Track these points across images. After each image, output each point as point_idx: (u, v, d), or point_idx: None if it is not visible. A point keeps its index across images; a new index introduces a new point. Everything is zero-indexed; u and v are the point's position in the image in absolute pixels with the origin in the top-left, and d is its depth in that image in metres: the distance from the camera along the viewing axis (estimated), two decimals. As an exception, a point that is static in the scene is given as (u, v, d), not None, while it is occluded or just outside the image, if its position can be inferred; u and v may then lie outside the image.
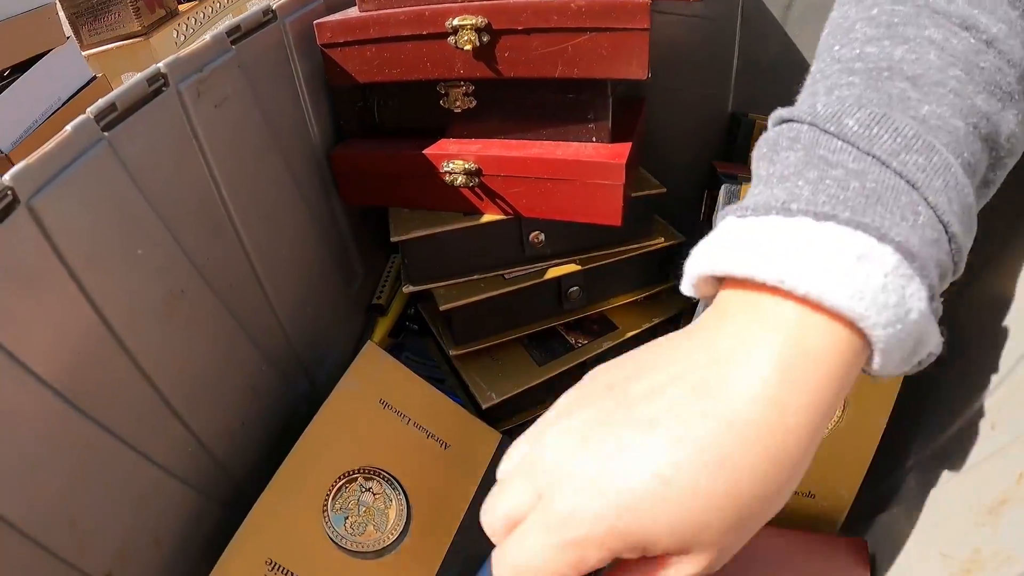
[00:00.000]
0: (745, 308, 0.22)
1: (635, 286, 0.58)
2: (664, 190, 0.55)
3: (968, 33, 0.24)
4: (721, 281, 0.24)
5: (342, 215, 0.57)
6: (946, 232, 0.22)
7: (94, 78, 1.46)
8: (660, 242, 0.55)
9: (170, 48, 1.46)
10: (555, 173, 0.47)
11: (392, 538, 0.43)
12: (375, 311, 0.60)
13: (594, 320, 0.58)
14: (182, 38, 1.49)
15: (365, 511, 0.44)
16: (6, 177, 0.31)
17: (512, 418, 0.57)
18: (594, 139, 0.48)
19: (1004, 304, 0.34)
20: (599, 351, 0.57)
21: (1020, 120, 0.24)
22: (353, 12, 0.50)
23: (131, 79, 0.39)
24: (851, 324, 0.21)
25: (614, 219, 0.48)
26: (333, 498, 0.43)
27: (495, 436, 0.51)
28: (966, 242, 0.23)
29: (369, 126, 0.53)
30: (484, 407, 0.53)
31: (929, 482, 0.43)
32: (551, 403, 0.26)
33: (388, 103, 0.52)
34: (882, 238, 0.21)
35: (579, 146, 0.48)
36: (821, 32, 0.29)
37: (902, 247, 0.21)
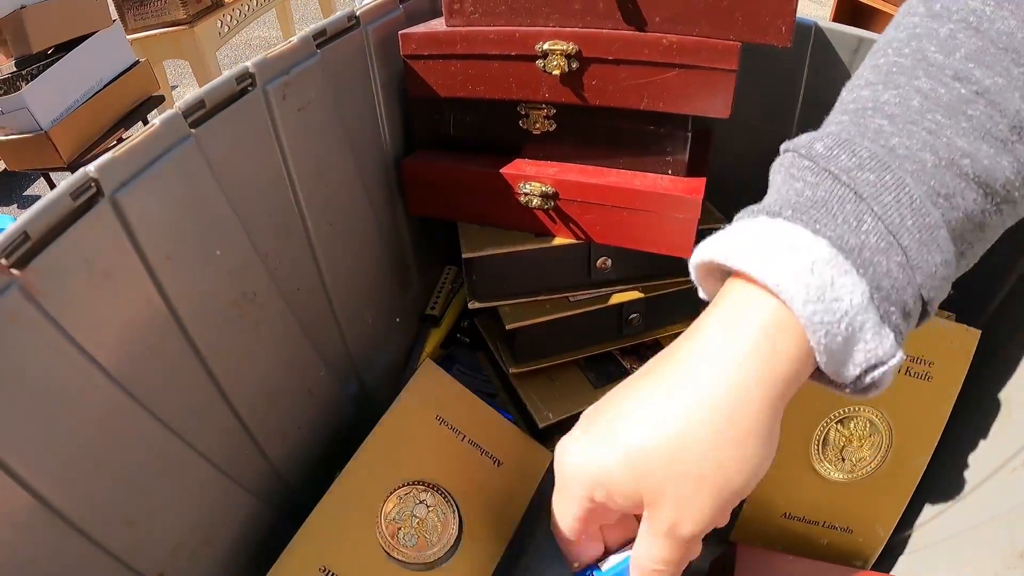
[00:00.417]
0: (723, 289, 0.28)
1: (690, 314, 0.58)
2: (726, 223, 0.55)
3: (959, 84, 0.26)
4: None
5: (404, 224, 0.57)
6: (898, 244, 0.24)
7: (137, 63, 1.47)
8: (720, 274, 0.55)
9: (213, 38, 1.46)
10: (631, 203, 0.47)
11: (443, 551, 0.43)
12: (429, 322, 0.60)
13: (648, 346, 0.58)
14: (226, 28, 1.50)
15: (418, 523, 0.44)
16: (91, 168, 0.30)
17: (564, 438, 0.57)
18: (670, 172, 0.49)
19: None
20: (651, 377, 0.57)
21: (1016, 170, 0.25)
22: (438, 24, 0.50)
23: (220, 77, 0.38)
24: (776, 296, 0.25)
25: (685, 251, 0.48)
26: (388, 509, 0.43)
27: (547, 455, 0.51)
28: (928, 259, 0.25)
29: (443, 138, 0.53)
30: (541, 425, 0.53)
31: (961, 524, 0.43)
32: None
33: (465, 118, 0.52)
34: (816, 232, 0.25)
35: (656, 177, 0.48)
36: None
37: (836, 243, 0.24)
